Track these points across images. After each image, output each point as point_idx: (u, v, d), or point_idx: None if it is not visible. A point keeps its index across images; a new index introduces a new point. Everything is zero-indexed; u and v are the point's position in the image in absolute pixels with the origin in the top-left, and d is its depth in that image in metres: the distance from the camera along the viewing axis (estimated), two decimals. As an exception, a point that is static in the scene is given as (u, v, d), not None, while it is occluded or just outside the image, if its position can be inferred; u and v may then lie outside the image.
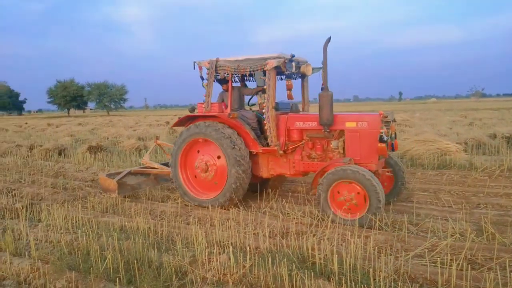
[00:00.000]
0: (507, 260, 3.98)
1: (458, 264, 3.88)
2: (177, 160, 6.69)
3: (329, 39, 5.60)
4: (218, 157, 6.39)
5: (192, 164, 6.68)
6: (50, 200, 7.18)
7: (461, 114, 28.20)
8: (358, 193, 5.23)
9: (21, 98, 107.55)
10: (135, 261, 4.13)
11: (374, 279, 3.59)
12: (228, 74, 6.41)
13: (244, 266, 3.95)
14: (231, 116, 6.27)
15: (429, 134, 11.65)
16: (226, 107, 6.64)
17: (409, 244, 4.60)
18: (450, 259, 4.01)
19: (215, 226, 5.28)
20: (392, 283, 3.65)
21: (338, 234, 4.84)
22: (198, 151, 6.64)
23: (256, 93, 6.98)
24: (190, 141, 6.54)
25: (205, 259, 4.15)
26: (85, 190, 7.96)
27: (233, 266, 3.94)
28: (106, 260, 4.13)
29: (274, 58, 5.98)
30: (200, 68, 6.64)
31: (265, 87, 6.12)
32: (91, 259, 4.29)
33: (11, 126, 31.76)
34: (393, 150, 6.10)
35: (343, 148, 5.96)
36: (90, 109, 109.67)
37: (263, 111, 6.26)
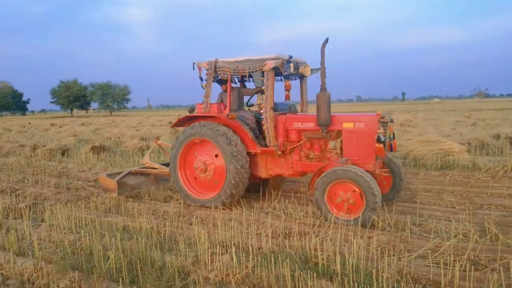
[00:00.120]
0: (511, 261, 3.97)
1: (461, 265, 3.87)
2: (176, 163, 6.75)
3: (326, 40, 5.64)
4: (216, 156, 6.44)
5: (191, 166, 6.73)
6: (53, 200, 7.21)
7: (464, 115, 28.11)
8: (354, 191, 5.26)
9: (24, 98, 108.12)
10: (138, 261, 4.14)
11: (377, 280, 3.59)
12: (227, 75, 6.44)
13: (246, 267, 3.95)
14: (229, 117, 6.30)
15: (432, 134, 11.62)
16: (225, 107, 6.67)
17: (412, 244, 4.59)
18: (453, 260, 4.00)
19: (217, 226, 5.28)
20: (395, 283, 3.64)
21: (341, 234, 4.84)
22: (196, 153, 6.69)
23: (255, 94, 7.01)
24: (187, 143, 6.61)
25: (208, 259, 4.15)
26: (88, 190, 7.98)
27: (235, 267, 3.94)
28: (109, 260, 4.14)
29: (272, 59, 6.02)
30: (199, 69, 6.68)
31: (263, 87, 6.13)
32: (94, 259, 4.31)
33: (15, 126, 31.90)
34: (391, 150, 6.12)
35: (341, 149, 5.99)
36: (93, 109, 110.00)
37: (261, 111, 6.28)
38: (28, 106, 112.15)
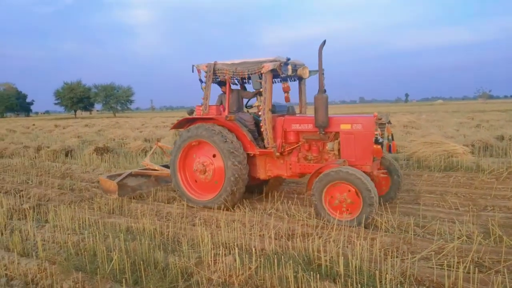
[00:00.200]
0: (515, 263, 3.95)
1: (465, 266, 3.86)
2: (176, 168, 6.80)
3: (323, 43, 5.69)
4: (214, 156, 6.48)
5: (191, 169, 6.77)
6: (57, 201, 7.24)
7: (468, 116, 27.97)
8: (349, 190, 5.29)
9: (28, 100, 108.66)
10: (141, 262, 4.15)
11: (380, 282, 3.58)
12: (226, 77, 6.49)
13: (249, 268, 3.95)
14: (228, 119, 6.34)
15: (435, 136, 11.57)
16: (224, 109, 6.70)
17: (416, 246, 4.57)
18: (457, 262, 3.98)
19: (220, 227, 5.29)
20: (399, 285, 3.63)
21: (344, 236, 4.83)
22: (194, 155, 6.74)
23: (254, 96, 7.04)
24: (184, 146, 6.66)
25: (211, 261, 4.16)
26: (92, 191, 8.01)
27: (238, 268, 3.94)
28: (113, 261, 4.15)
29: (270, 61, 6.06)
30: (199, 71, 6.73)
31: (261, 89, 6.16)
32: (98, 260, 4.32)
33: (19, 128, 32.06)
34: (390, 151, 6.13)
35: (339, 150, 6.02)
36: (97, 110, 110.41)
37: (260, 113, 6.31)
38: (32, 107, 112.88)
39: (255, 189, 7.39)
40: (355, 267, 3.80)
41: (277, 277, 3.74)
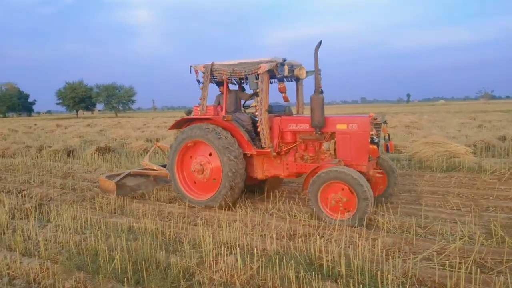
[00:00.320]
0: (517, 263, 3.94)
1: (467, 267, 3.85)
2: (174, 170, 6.84)
3: (319, 43, 5.71)
4: (210, 155, 6.52)
5: (189, 170, 6.80)
6: (59, 201, 7.26)
7: (470, 116, 27.94)
8: (342, 189, 5.33)
9: (30, 100, 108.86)
10: (143, 262, 4.16)
11: (382, 282, 3.58)
12: (223, 77, 6.52)
13: (251, 268, 3.95)
14: (225, 119, 6.37)
15: (437, 136, 11.55)
16: (221, 110, 6.73)
17: (417, 247, 4.57)
18: (459, 262, 3.98)
19: (222, 227, 5.29)
20: (400, 286, 3.63)
21: (346, 236, 4.83)
22: (191, 156, 6.77)
23: (252, 98, 7.06)
24: (181, 149, 6.71)
25: (213, 261, 4.16)
26: (94, 191, 8.03)
27: (240, 268, 3.94)
28: (114, 261, 4.16)
29: (267, 62, 6.09)
30: (196, 72, 6.77)
31: (257, 90, 6.18)
32: (100, 260, 4.33)
33: (21, 127, 32.13)
34: (388, 151, 6.13)
35: (335, 150, 6.04)
36: (99, 110, 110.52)
37: (256, 113, 6.33)
38: (34, 107, 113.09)
39: (256, 189, 7.40)
40: (357, 267, 3.79)
41: (278, 277, 3.75)
